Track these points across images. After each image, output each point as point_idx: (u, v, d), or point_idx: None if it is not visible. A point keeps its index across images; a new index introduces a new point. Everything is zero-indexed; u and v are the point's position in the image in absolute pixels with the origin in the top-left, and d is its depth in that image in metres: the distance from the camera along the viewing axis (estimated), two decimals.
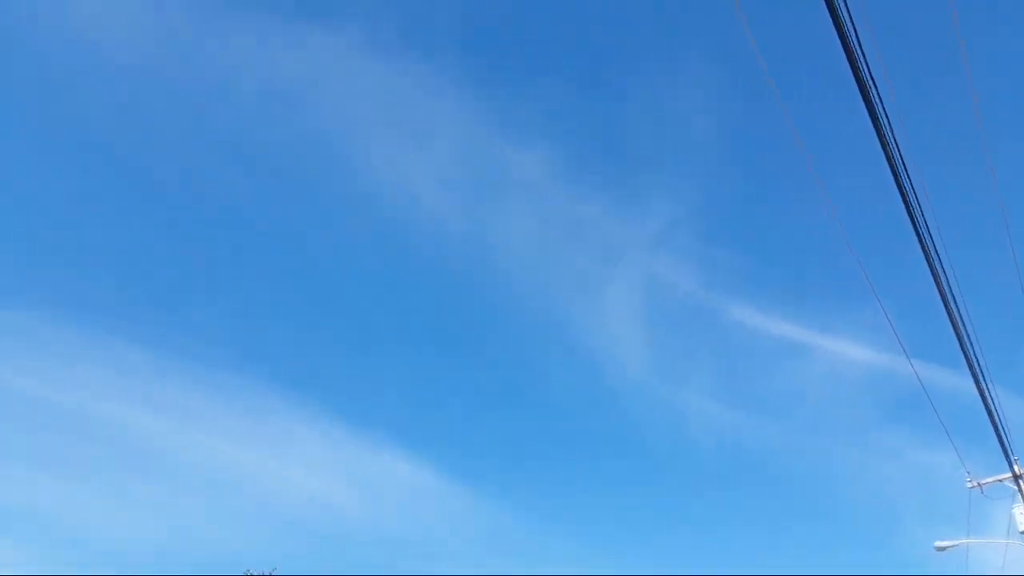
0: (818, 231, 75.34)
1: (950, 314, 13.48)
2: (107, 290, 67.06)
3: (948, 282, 12.79)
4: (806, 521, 68.06)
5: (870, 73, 9.37)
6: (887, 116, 9.83)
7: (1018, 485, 24.48)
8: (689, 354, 75.32)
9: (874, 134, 9.79)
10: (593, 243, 76.56)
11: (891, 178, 10.31)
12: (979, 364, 15.65)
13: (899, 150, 10.24)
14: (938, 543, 25.74)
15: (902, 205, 10.66)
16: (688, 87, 73.22)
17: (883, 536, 63.06)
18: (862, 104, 9.41)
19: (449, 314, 75.93)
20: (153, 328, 66.78)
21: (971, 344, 14.81)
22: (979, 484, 25.08)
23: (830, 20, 8.53)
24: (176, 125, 67.67)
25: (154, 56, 64.90)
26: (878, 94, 9.56)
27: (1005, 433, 20.62)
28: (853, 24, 8.87)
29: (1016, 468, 24.28)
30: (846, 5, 8.56)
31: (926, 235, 11.46)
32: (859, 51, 9.02)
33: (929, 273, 12.00)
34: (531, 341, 75.54)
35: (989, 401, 17.05)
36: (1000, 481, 24.85)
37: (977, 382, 16.08)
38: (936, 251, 12.01)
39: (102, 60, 64.12)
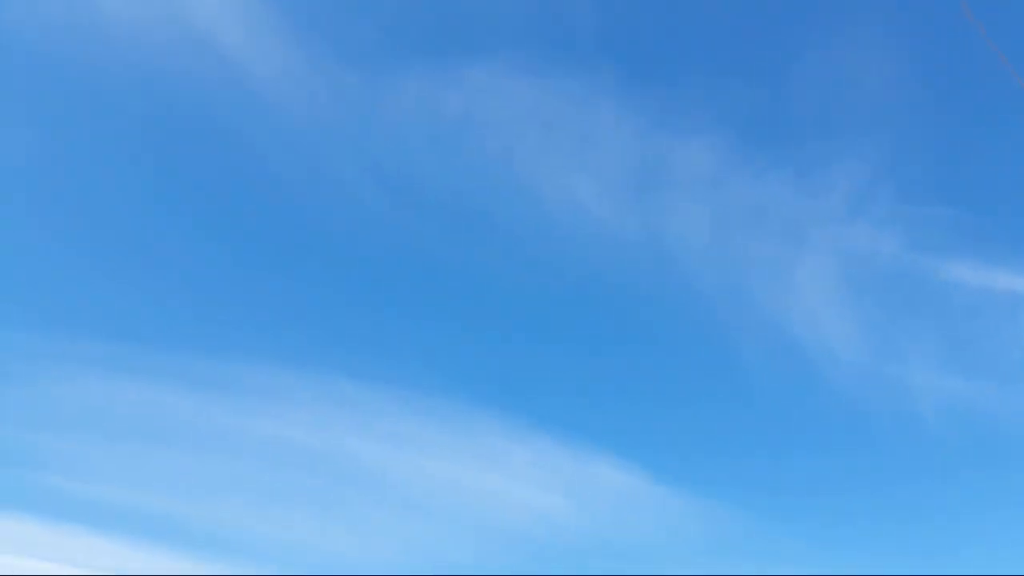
0: None
1: None
2: (317, 335, 67.91)
3: None
4: None
5: None
6: None
7: None
8: (903, 324, 70.90)
9: None
10: (776, 224, 73.87)
11: None
12: None
13: None
14: None
15: None
16: (855, 36, 70.66)
17: None
18: None
19: (634, 317, 73.55)
20: (362, 360, 67.08)
21: None
22: None
23: None
24: (355, 178, 69.63)
25: (326, 114, 67.58)
26: None
27: None
28: None
29: None
30: None
31: None
32: None
33: None
34: (724, 334, 72.36)
35: None
36: None
37: None
38: None
39: (279, 124, 67.36)
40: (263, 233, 72.79)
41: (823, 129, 75.57)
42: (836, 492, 67.48)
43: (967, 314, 71.84)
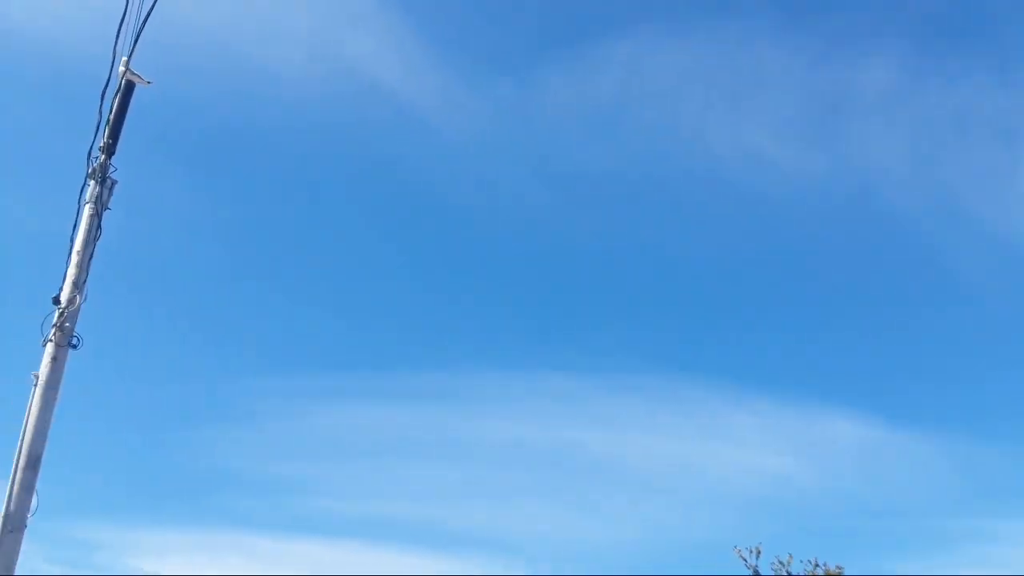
0: None
1: None
2: (521, 335, 75.62)
3: None
4: None
5: None
6: None
7: None
8: None
9: None
10: (983, 128, 69.69)
11: None
12: None
13: None
14: None
15: None
16: None
17: None
18: None
19: (839, 260, 71.57)
20: (567, 352, 72.84)
21: None
22: None
23: None
24: (522, 181, 74.97)
25: (486, 124, 73.47)
26: None
27: None
28: None
29: None
30: None
31: None
32: None
33: None
34: (941, 259, 69.36)
35: None
36: None
37: None
38: None
39: (434, 139, 74.03)
40: (450, 252, 76.70)
41: (1019, 17, 67.98)
42: None
43: None
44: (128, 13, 10.31)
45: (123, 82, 10.76)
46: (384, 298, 74.61)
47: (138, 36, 10.56)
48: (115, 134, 10.53)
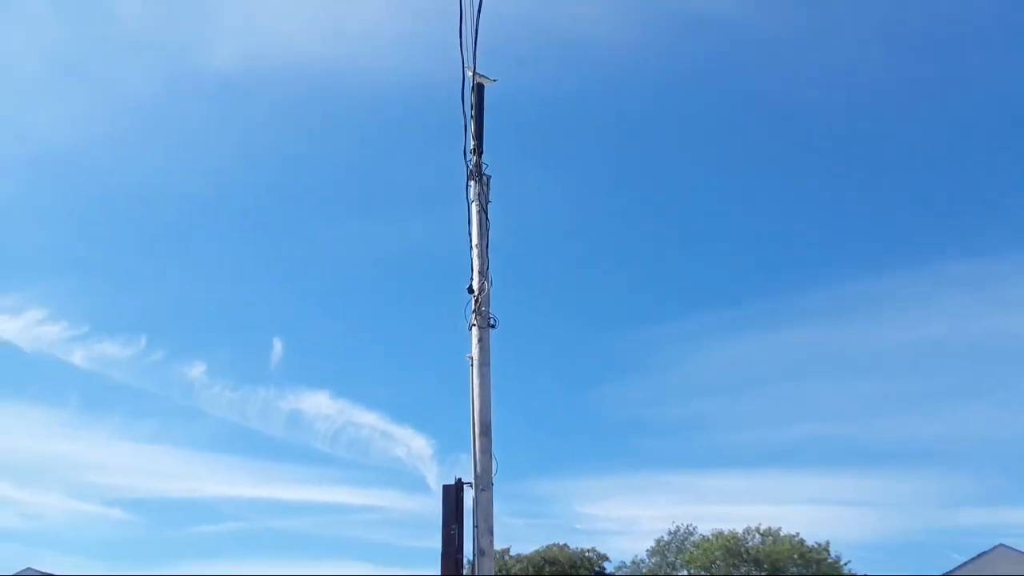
0: None
1: None
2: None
3: None
4: None
5: None
6: None
7: None
8: None
9: None
10: None
11: None
12: None
13: None
14: None
15: None
16: None
17: None
18: None
19: None
20: (963, 235, 73.81)
21: None
22: None
23: None
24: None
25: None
26: None
27: None
28: None
29: None
30: None
31: None
32: None
33: None
34: None
35: None
36: None
37: None
38: None
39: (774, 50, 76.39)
40: (816, 162, 73.03)
41: None
42: None
43: None
44: (463, 20, 11.22)
45: (474, 85, 11.87)
46: (750, 229, 73.10)
47: (475, 43, 11.57)
48: (479, 133, 11.70)
